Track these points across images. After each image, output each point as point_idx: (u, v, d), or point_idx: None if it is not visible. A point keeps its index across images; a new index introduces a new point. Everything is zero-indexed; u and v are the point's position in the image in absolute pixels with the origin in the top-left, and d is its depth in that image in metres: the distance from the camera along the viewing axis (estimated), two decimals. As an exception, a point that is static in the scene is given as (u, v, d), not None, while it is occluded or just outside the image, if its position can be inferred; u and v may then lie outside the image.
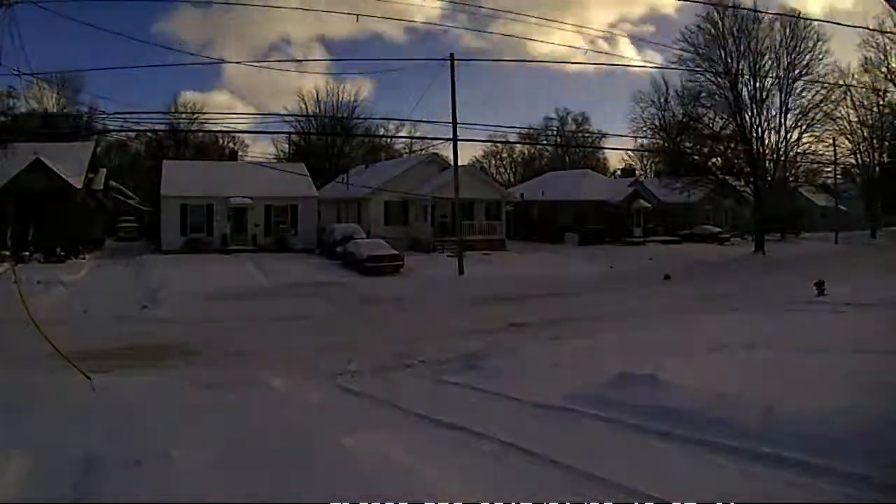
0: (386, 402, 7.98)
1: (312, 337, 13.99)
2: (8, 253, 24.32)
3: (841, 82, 39.47)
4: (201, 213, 34.09)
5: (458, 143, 27.81)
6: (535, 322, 15.39)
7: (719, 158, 40.33)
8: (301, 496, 4.63)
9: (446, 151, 39.16)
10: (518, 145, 71.28)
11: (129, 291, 20.91)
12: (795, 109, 37.73)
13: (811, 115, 37.60)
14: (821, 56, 37.03)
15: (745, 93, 37.46)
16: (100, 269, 26.71)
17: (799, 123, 38.05)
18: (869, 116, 47.66)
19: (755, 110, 37.48)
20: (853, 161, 49.66)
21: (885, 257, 30.85)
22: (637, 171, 56.89)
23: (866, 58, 44.93)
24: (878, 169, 50.41)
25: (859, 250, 39.10)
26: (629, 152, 64.03)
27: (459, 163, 29.36)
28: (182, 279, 22.87)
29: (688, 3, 31.02)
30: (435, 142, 64.02)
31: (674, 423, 6.28)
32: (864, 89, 43.81)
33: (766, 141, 38.16)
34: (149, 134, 54.30)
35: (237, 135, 59.58)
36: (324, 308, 18.66)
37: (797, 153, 39.06)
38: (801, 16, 37.19)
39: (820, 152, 40.79)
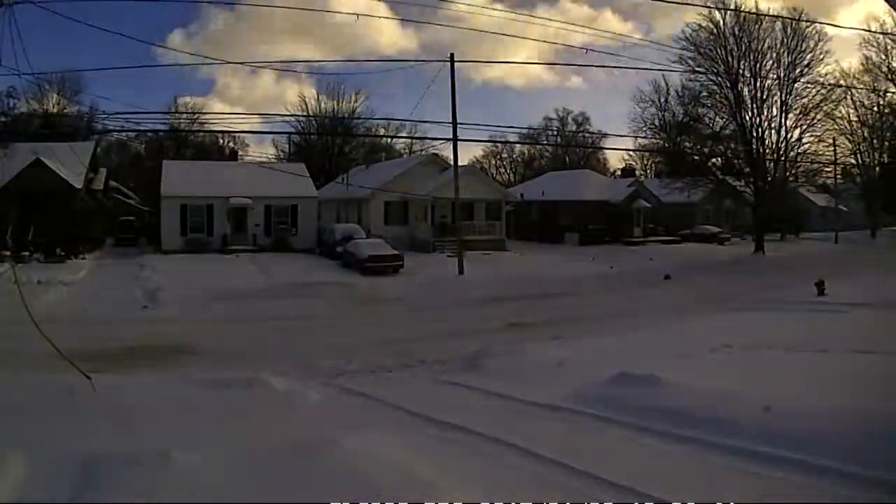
0: (386, 402, 7.97)
1: (312, 337, 14.00)
2: (8, 253, 24.31)
3: (841, 82, 39.47)
4: (201, 213, 34.09)
5: (458, 143, 27.83)
6: (535, 322, 15.40)
7: (719, 158, 40.30)
8: (301, 496, 4.63)
9: (446, 151, 39.26)
10: (518, 145, 71.38)
11: (130, 291, 20.92)
12: (796, 109, 37.69)
13: (812, 115, 37.56)
14: (822, 56, 37.01)
15: (745, 92, 37.44)
16: (100, 269, 26.71)
17: (799, 123, 38.02)
18: (869, 116, 47.68)
19: (756, 110, 37.46)
20: (853, 161, 49.64)
21: (886, 257, 30.85)
22: (637, 171, 56.91)
23: (867, 57, 45.02)
24: (878, 169, 50.40)
25: (859, 250, 39.11)
26: (629, 152, 64.18)
27: (459, 163, 29.36)
28: (182, 279, 22.87)
29: (688, 2, 30.91)
30: (435, 142, 64.17)
31: (674, 423, 6.28)
32: (864, 89, 43.84)
33: (767, 141, 38.12)
34: (149, 134, 54.33)
35: (237, 135, 59.72)
36: (324, 308, 18.66)
37: (797, 153, 39.03)
38: (802, 16, 37.11)
39: (820, 152, 40.77)
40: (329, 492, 4.56)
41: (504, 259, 31.85)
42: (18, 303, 8.84)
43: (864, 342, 9.83)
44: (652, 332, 12.40)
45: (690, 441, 5.93)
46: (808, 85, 36.89)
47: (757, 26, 36.22)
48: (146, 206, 45.01)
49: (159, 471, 5.01)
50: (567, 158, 70.54)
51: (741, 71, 36.63)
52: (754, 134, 37.68)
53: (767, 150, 38.05)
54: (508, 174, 75.50)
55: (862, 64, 45.39)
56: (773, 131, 37.98)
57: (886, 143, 49.10)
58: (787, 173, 41.09)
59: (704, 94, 38.54)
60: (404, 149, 64.80)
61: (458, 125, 27.12)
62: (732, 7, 36.40)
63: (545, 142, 70.76)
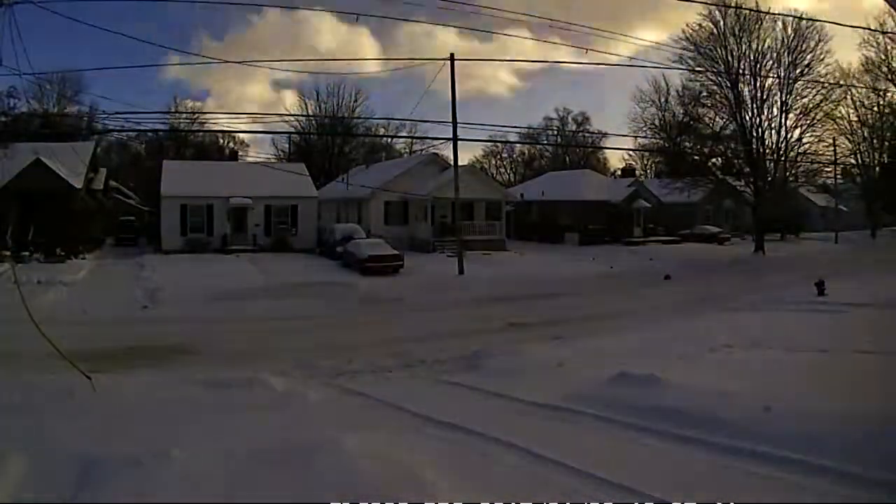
0: (386, 402, 7.97)
1: (312, 337, 14.00)
2: (8, 253, 24.31)
3: (842, 82, 39.45)
4: (201, 213, 34.10)
5: (458, 142, 27.83)
6: (535, 322, 15.40)
7: (719, 158, 40.30)
8: (301, 496, 4.63)
9: (446, 151, 39.25)
10: (518, 145, 71.39)
11: (129, 291, 20.92)
12: (796, 109, 37.68)
13: (812, 115, 37.56)
14: (822, 56, 36.99)
15: (745, 92, 37.44)
16: (100, 269, 26.72)
17: (799, 123, 38.02)
18: (869, 116, 47.69)
19: (756, 110, 37.44)
20: (853, 161, 49.64)
21: (885, 257, 30.84)
22: (637, 171, 56.94)
23: (867, 57, 44.99)
24: (878, 169, 50.39)
25: (859, 250, 39.11)
26: (629, 152, 64.16)
27: (459, 163, 29.37)
28: (182, 279, 22.88)
29: (688, 2, 30.93)
30: (435, 142, 64.20)
31: (674, 423, 6.28)
32: (864, 89, 43.84)
33: (767, 141, 38.11)
34: (149, 134, 54.33)
35: (237, 135, 59.76)
36: (324, 308, 18.66)
37: (797, 153, 39.02)
38: (802, 16, 37.09)
39: (820, 152, 40.76)
40: (329, 492, 4.57)
41: (504, 259, 31.85)
42: (18, 303, 8.84)
43: (864, 342, 9.83)
44: (652, 332, 12.39)
45: (690, 441, 5.93)
46: (809, 85, 36.91)
47: (757, 26, 36.24)
48: (146, 206, 45.04)
49: (159, 471, 5.01)
50: (567, 158, 70.56)
51: (741, 71, 36.64)
52: (754, 134, 37.68)
53: (767, 150, 38.05)
54: (508, 174, 75.53)
55: (862, 64, 45.43)
56: (773, 131, 38.01)
57: (886, 143, 49.08)
58: (787, 173, 41.09)
59: (704, 94, 38.55)
60: (404, 149, 64.85)
61: (458, 125, 27.16)
62: (733, 6, 36.41)
63: (545, 142, 70.84)
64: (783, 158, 38.46)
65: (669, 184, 41.74)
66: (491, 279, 24.59)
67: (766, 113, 37.54)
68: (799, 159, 39.81)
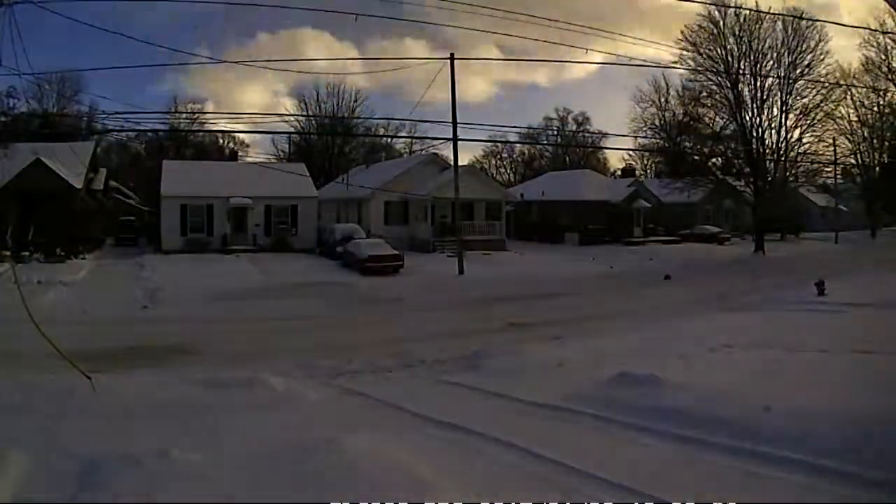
0: (386, 402, 7.96)
1: (312, 337, 14.00)
2: (8, 253, 24.31)
3: (842, 82, 39.44)
4: (201, 213, 34.12)
5: (458, 142, 27.85)
6: (535, 322, 15.40)
7: (719, 158, 40.32)
8: (301, 496, 4.63)
9: (446, 151, 39.28)
10: (518, 145, 71.39)
11: (129, 291, 20.93)
12: (796, 109, 37.69)
13: (812, 114, 37.56)
14: (822, 56, 37.01)
15: (745, 92, 37.46)
16: (100, 269, 26.72)
17: (799, 123, 38.04)
18: (869, 116, 47.68)
19: (756, 110, 37.48)
20: (853, 161, 49.65)
21: (885, 257, 30.81)
22: (637, 171, 56.95)
23: (867, 57, 44.99)
24: (878, 169, 50.39)
25: (859, 250, 39.09)
26: (629, 152, 64.17)
27: (459, 163, 29.37)
28: (182, 279, 22.89)
29: (688, 2, 30.94)
30: (435, 142, 64.22)
31: (674, 423, 6.28)
32: (864, 89, 43.82)
33: (767, 141, 38.13)
34: (149, 134, 54.34)
35: (237, 135, 59.78)
36: (324, 308, 18.66)
37: (797, 153, 39.03)
38: (803, 15, 37.10)
39: (820, 152, 40.78)
40: (329, 492, 4.56)
41: (504, 259, 31.85)
42: (18, 303, 8.83)
43: (864, 342, 9.82)
44: (652, 332, 12.38)
45: (690, 441, 5.92)
46: (809, 85, 36.92)
47: (757, 26, 36.26)
48: (146, 206, 45.05)
49: (159, 471, 5.01)
50: (567, 158, 70.57)
51: (741, 71, 36.66)
52: (754, 134, 37.71)
53: (767, 150, 38.07)
54: (508, 174, 75.54)
55: (862, 64, 45.43)
56: (773, 131, 38.04)
57: (886, 143, 49.09)
58: (787, 173, 41.11)
59: (704, 94, 38.59)
60: (404, 149, 64.87)
61: (458, 125, 27.18)
62: (733, 5, 36.45)
63: (545, 142, 70.84)
64: (783, 158, 38.48)
65: (669, 184, 41.76)
66: (491, 279, 24.59)
67: (766, 113, 37.62)
68: (799, 159, 39.84)
